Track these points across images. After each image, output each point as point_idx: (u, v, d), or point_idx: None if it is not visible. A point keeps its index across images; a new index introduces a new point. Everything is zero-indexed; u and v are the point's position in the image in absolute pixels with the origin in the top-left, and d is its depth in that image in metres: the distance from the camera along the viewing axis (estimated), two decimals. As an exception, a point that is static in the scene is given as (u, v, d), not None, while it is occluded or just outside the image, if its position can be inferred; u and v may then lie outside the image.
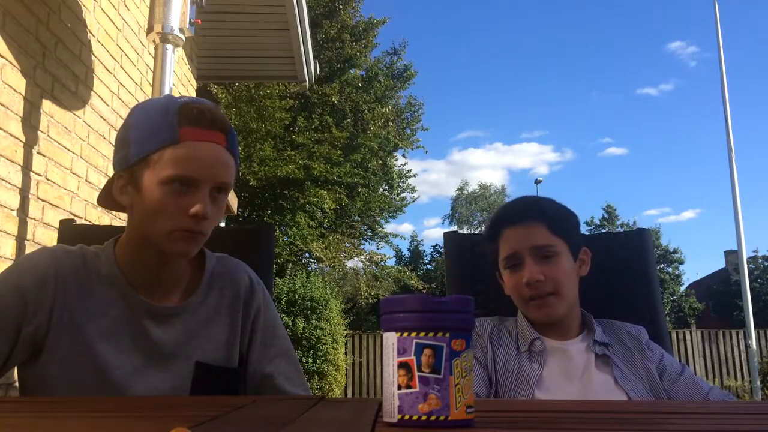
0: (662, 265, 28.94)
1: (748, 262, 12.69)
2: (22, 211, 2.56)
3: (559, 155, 60.07)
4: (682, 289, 30.65)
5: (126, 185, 1.12)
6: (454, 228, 32.13)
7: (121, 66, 3.48)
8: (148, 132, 1.09)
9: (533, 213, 1.42)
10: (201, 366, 1.17)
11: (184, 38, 3.05)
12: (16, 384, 1.19)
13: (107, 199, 1.20)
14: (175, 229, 1.09)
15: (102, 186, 1.19)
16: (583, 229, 1.57)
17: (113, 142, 1.19)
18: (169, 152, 1.06)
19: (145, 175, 1.09)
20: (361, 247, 15.23)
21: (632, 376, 1.36)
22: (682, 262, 30.32)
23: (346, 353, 9.74)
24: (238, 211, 5.42)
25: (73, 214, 2.92)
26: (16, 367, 1.15)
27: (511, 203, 1.51)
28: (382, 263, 16.27)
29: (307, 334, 8.18)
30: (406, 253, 29.03)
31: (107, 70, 3.31)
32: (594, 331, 1.42)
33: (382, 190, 14.81)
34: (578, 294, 1.44)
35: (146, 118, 1.11)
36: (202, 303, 1.21)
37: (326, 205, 12.30)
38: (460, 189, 36.83)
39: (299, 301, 8.39)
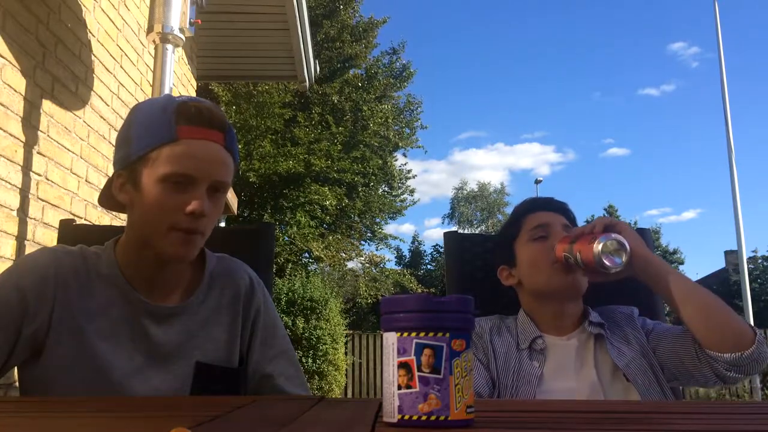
0: (662, 265, 28.85)
1: (748, 262, 12.68)
2: (22, 211, 2.56)
3: (560, 156, 59.98)
4: (682, 289, 30.58)
5: (125, 183, 1.13)
6: (454, 228, 32.11)
7: (121, 66, 3.48)
8: (146, 130, 1.09)
9: (558, 207, 1.53)
10: (201, 366, 1.17)
11: (184, 38, 3.05)
12: (16, 384, 1.19)
13: (107, 199, 1.20)
14: (172, 226, 1.09)
15: (102, 186, 1.19)
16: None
17: (113, 142, 1.20)
18: (167, 150, 1.07)
19: (143, 174, 1.09)
20: (361, 248, 15.24)
21: (629, 351, 1.40)
22: (682, 263, 30.29)
23: (346, 353, 9.73)
24: (237, 210, 5.42)
25: (73, 214, 2.92)
26: (16, 367, 1.15)
27: (535, 197, 1.61)
28: (381, 265, 16.28)
29: (306, 334, 8.17)
30: (406, 253, 29.04)
31: (107, 70, 3.31)
32: (589, 313, 1.46)
33: (381, 190, 14.81)
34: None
35: (145, 116, 1.12)
36: (202, 303, 1.21)
37: (328, 202, 12.30)
38: (459, 188, 36.82)
39: (299, 301, 8.38)
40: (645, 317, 1.51)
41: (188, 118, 1.08)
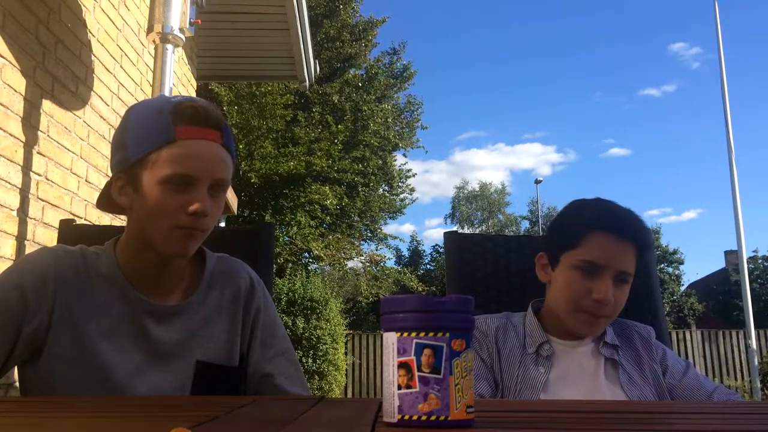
0: (662, 265, 28.94)
1: (748, 262, 12.69)
2: (22, 211, 2.56)
3: (561, 156, 60.21)
4: (682, 289, 30.64)
5: (124, 186, 1.13)
6: (455, 227, 32.10)
7: (121, 66, 3.48)
8: (144, 133, 1.09)
9: (632, 231, 1.33)
10: (201, 365, 1.17)
11: (184, 38, 3.05)
12: (17, 384, 1.19)
13: (106, 202, 1.20)
14: (175, 226, 1.09)
15: (101, 187, 1.20)
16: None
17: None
18: (166, 152, 1.07)
19: (143, 176, 1.09)
20: (361, 247, 15.25)
21: (640, 380, 1.34)
22: (682, 263, 30.34)
23: (346, 353, 9.74)
24: (237, 210, 5.42)
25: (73, 214, 2.92)
26: (16, 367, 1.15)
27: (611, 206, 1.38)
28: (382, 264, 16.30)
29: (307, 334, 8.18)
30: (406, 253, 29.06)
31: (107, 70, 3.31)
32: (605, 331, 1.39)
33: (381, 190, 14.82)
34: None
35: (141, 119, 1.12)
36: (202, 302, 1.21)
37: (328, 202, 12.30)
38: (460, 188, 36.85)
39: (299, 301, 8.38)
40: (663, 346, 1.44)
41: (185, 118, 1.08)
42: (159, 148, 1.07)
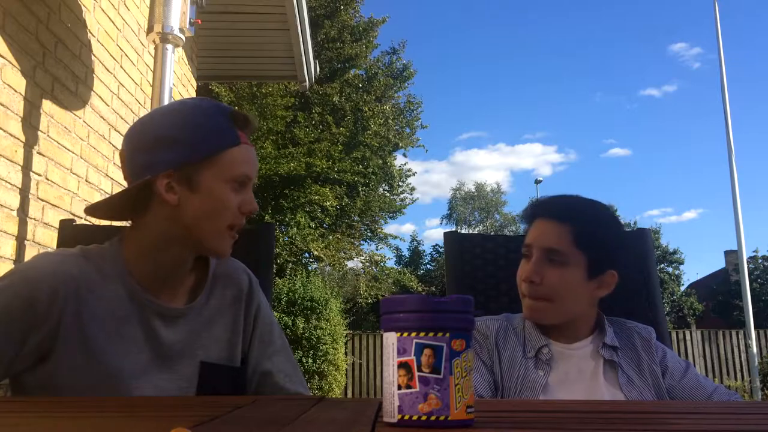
0: (662, 265, 28.93)
1: (748, 262, 12.69)
2: (22, 211, 2.56)
3: (562, 156, 60.00)
4: (682, 289, 30.64)
5: (172, 183, 1.12)
6: (452, 228, 32.10)
7: (121, 66, 3.48)
8: (212, 134, 1.14)
9: (566, 214, 1.38)
10: (205, 365, 1.18)
11: (184, 38, 3.05)
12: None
13: (116, 207, 1.19)
14: (231, 225, 1.15)
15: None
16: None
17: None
18: (233, 153, 1.14)
19: (204, 174, 1.12)
20: (361, 247, 15.24)
21: (639, 382, 1.34)
22: (682, 263, 30.30)
23: (346, 353, 9.73)
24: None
25: (73, 214, 2.92)
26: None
27: (555, 196, 1.47)
28: (382, 264, 16.29)
29: (307, 334, 8.17)
30: (406, 253, 29.04)
31: (107, 70, 3.31)
32: (605, 332, 1.39)
33: (382, 190, 14.81)
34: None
35: (204, 120, 1.15)
36: (205, 303, 1.22)
37: (328, 203, 12.31)
38: (457, 189, 36.81)
39: (299, 301, 8.38)
40: (663, 346, 1.44)
41: (242, 124, 1.18)
42: (226, 150, 1.13)
